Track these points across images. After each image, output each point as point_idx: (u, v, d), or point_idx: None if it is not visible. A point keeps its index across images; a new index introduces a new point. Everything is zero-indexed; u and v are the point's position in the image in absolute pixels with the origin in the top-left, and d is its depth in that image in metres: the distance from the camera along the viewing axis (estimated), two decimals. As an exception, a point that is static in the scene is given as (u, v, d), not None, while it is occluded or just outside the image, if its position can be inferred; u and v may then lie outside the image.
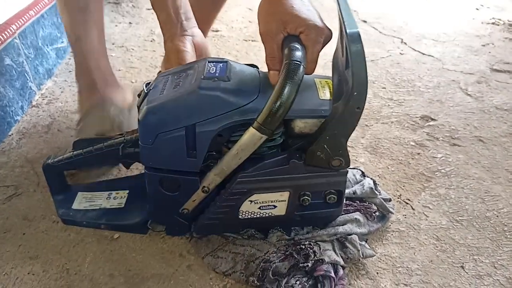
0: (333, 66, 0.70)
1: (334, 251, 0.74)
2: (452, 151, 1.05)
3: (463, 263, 0.79)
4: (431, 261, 0.79)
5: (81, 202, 0.82)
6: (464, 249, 0.82)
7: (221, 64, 0.67)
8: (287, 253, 0.73)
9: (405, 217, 0.87)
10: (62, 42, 1.27)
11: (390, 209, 0.83)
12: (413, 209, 0.89)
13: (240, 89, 0.64)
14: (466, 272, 0.77)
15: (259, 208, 0.72)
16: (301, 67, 0.58)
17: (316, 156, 0.67)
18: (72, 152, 0.75)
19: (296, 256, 0.72)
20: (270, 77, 0.65)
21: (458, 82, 1.34)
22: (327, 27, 0.63)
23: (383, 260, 0.79)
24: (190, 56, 0.76)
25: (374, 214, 0.81)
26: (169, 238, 0.79)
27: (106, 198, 0.82)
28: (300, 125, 0.68)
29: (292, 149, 0.69)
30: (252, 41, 1.48)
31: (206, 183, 0.69)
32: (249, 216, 0.73)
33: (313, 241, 0.75)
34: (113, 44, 1.32)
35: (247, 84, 0.66)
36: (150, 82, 0.70)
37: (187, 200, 0.72)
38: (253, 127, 0.61)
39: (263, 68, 0.71)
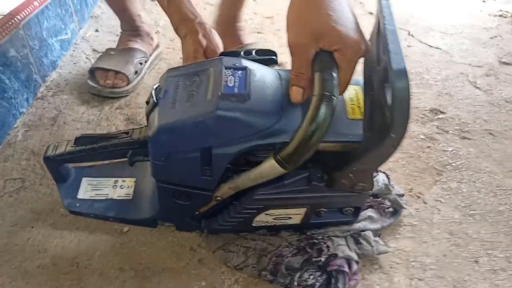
0: (364, 66, 0.63)
1: (348, 246, 0.73)
2: (463, 145, 1.04)
3: (477, 257, 0.78)
4: (445, 255, 0.78)
5: (87, 190, 0.80)
6: (478, 243, 0.81)
7: (239, 73, 0.61)
8: (299, 247, 0.72)
9: (417, 211, 0.86)
10: (66, 33, 1.25)
11: (403, 205, 0.82)
12: (425, 203, 0.88)
13: (261, 110, 0.58)
14: (480, 267, 0.77)
15: (274, 219, 0.71)
16: (334, 101, 0.51)
17: (340, 182, 0.63)
18: (74, 147, 0.72)
19: (309, 251, 0.71)
20: (291, 93, 0.58)
21: (466, 75, 1.33)
22: (365, 41, 0.55)
23: (397, 255, 0.78)
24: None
25: (387, 210, 0.80)
26: (179, 232, 0.78)
27: (113, 187, 0.81)
28: (324, 145, 0.61)
29: (312, 168, 0.65)
30: (258, 33, 1.46)
31: (220, 193, 0.67)
32: (262, 224, 0.72)
33: (326, 235, 0.74)
34: (117, 36, 1.30)
35: (269, 102, 0.59)
36: (159, 86, 0.64)
37: (199, 208, 0.70)
38: (275, 161, 0.57)
39: (280, 52, 0.68)
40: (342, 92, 0.57)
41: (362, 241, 0.74)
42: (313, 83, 0.54)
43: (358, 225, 0.75)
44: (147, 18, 1.24)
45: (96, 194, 0.79)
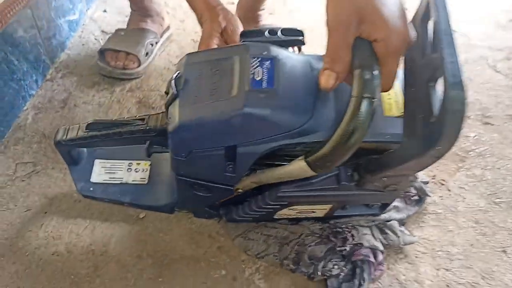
0: (404, 58, 0.55)
1: (373, 235, 0.70)
2: (485, 130, 1.00)
3: (504, 247, 0.76)
4: (472, 244, 0.76)
5: (100, 173, 0.77)
6: (505, 232, 0.78)
7: (267, 63, 0.55)
8: (322, 236, 0.69)
9: (442, 199, 0.83)
10: (74, 14, 1.21)
11: (428, 192, 0.79)
12: (449, 190, 0.85)
13: (292, 106, 0.53)
14: (509, 257, 0.74)
15: (297, 212, 0.68)
16: (374, 103, 0.46)
17: (371, 183, 0.59)
18: (86, 132, 0.68)
19: (333, 240, 0.68)
20: (322, 77, 0.49)
21: (486, 58, 1.28)
22: (411, 30, 0.48)
23: (422, 244, 0.75)
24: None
25: (412, 198, 0.77)
26: (197, 219, 0.75)
27: (127, 170, 0.77)
28: None
29: (342, 166, 0.60)
30: (270, 14, 1.42)
31: (241, 186, 0.63)
32: (285, 217, 0.70)
33: (350, 224, 0.71)
34: (125, 16, 1.27)
35: (300, 98, 0.54)
36: (179, 75, 0.58)
37: (219, 199, 0.68)
38: (305, 161, 0.53)
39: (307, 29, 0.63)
40: (385, 91, 0.50)
41: (387, 231, 0.71)
42: (349, 70, 0.49)
43: (383, 216, 0.72)
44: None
45: (110, 178, 0.76)
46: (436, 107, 0.47)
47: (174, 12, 1.37)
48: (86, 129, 0.68)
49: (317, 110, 0.54)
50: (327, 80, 0.49)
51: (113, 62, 1.08)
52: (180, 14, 1.34)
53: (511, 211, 0.81)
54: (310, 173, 0.54)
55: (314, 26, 1.16)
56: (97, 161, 0.78)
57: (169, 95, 0.58)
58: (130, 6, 1.18)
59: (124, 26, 1.19)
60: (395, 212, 0.74)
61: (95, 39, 1.22)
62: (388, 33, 0.46)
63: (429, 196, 0.80)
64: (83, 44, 1.19)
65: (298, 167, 0.54)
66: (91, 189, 0.75)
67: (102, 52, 1.09)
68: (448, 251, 0.74)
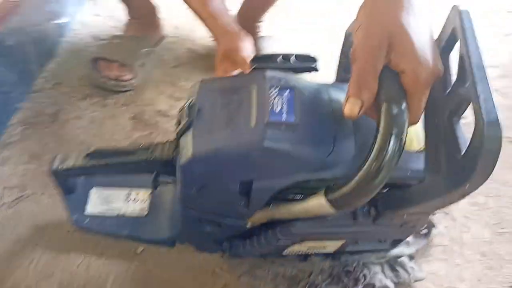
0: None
1: (384, 274, 0.68)
2: (487, 154, 0.99)
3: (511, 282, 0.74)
4: (479, 280, 0.74)
5: (96, 203, 0.73)
6: (511, 266, 0.77)
7: (286, 93, 0.52)
8: (333, 275, 0.67)
9: (447, 229, 0.82)
10: (64, 18, 1.15)
11: (435, 223, 0.77)
12: (453, 220, 0.84)
13: (313, 140, 0.51)
14: (516, 293, 0.73)
15: (308, 248, 0.65)
16: (403, 141, 0.43)
17: (389, 220, 0.57)
18: (86, 161, 0.63)
19: (344, 280, 0.66)
20: (347, 105, 0.45)
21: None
22: (440, 62, 0.46)
23: (430, 279, 0.73)
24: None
25: (421, 231, 0.75)
26: (199, 253, 0.71)
27: (125, 200, 0.73)
28: None
29: None
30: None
31: (252, 220, 0.60)
32: (294, 253, 0.67)
33: (361, 262, 0.69)
34: (118, 21, 1.21)
35: (320, 130, 0.52)
36: (192, 103, 0.55)
37: (227, 234, 0.64)
38: (326, 199, 0.49)
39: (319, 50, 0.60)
40: (414, 121, 0.47)
41: (398, 268, 0.70)
42: (374, 100, 0.45)
43: (394, 251, 0.70)
44: (153, 5, 1.15)
45: (107, 209, 0.72)
46: (462, 143, 0.46)
47: (167, 18, 1.32)
48: (86, 157, 0.64)
49: (338, 142, 0.52)
50: (352, 108, 0.45)
51: (106, 72, 1.02)
52: (174, 20, 1.29)
53: (518, 245, 0.81)
54: (331, 211, 0.51)
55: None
56: (93, 190, 0.73)
57: (181, 125, 0.54)
58: (127, 13, 1.12)
59: (118, 32, 1.13)
60: (405, 247, 0.72)
61: (87, 45, 1.16)
62: (418, 64, 0.43)
63: (435, 227, 0.78)
64: (73, 52, 1.13)
65: (318, 204, 0.51)
66: (87, 221, 0.71)
67: (95, 61, 1.04)
68: (457, 288, 0.72)
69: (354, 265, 0.68)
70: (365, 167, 0.44)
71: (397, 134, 0.43)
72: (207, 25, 0.77)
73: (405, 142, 0.44)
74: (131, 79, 1.04)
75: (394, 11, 0.45)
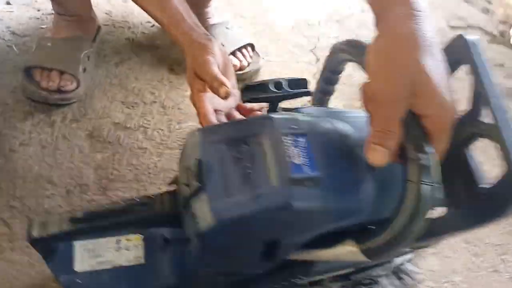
0: None
1: (394, 285, 0.70)
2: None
3: (494, 266, 0.80)
4: (469, 268, 0.79)
5: (84, 258, 0.63)
6: (491, 249, 0.83)
7: (302, 141, 0.49)
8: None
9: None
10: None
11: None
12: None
13: (339, 191, 0.48)
14: (501, 276, 0.79)
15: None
16: (435, 188, 0.43)
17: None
18: (73, 226, 0.57)
19: (359, 298, 0.66)
20: (373, 153, 0.45)
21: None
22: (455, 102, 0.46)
23: (428, 276, 0.77)
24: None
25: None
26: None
27: (116, 250, 0.65)
28: None
29: None
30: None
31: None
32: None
33: (370, 278, 0.69)
34: (35, 9, 1.04)
35: (342, 176, 0.49)
36: (199, 161, 0.49)
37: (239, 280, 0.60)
38: (359, 249, 0.48)
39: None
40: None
41: (403, 275, 0.71)
42: (400, 145, 0.44)
43: (398, 260, 0.71)
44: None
45: (98, 263, 0.63)
46: (478, 176, 0.47)
47: (96, 3, 1.15)
48: (73, 220, 0.55)
49: (359, 186, 0.50)
50: (380, 157, 0.45)
51: (44, 83, 0.88)
52: (104, 5, 1.14)
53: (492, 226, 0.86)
54: (363, 259, 0.49)
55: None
56: (76, 244, 0.63)
57: (190, 189, 0.49)
58: (53, 8, 0.96)
59: (39, 23, 0.97)
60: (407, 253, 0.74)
61: (7, 45, 0.98)
62: (440, 109, 0.43)
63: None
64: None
65: (349, 252, 0.49)
66: (78, 280, 0.61)
67: (28, 70, 0.88)
68: (453, 281, 0.77)
69: (366, 282, 0.68)
70: (399, 219, 0.43)
71: (429, 183, 0.42)
72: (169, 32, 0.68)
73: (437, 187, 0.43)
74: (76, 89, 0.90)
75: (413, 53, 0.43)
